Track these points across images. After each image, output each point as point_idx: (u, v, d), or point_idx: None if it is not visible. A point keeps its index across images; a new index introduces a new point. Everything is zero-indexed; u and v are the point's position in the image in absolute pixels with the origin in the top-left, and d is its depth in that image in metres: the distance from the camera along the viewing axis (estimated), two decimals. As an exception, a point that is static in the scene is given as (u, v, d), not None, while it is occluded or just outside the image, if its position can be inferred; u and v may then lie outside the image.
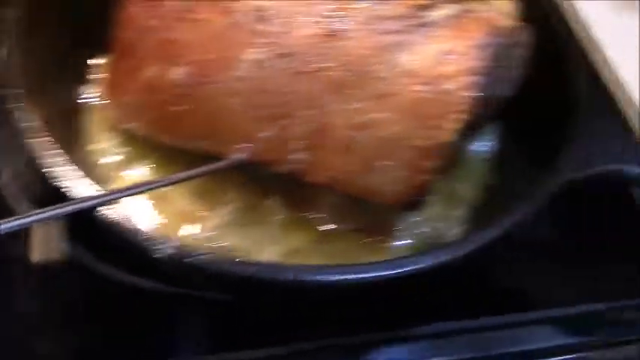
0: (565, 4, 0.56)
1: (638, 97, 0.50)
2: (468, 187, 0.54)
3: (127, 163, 0.52)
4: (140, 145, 0.52)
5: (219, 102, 0.46)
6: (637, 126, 0.49)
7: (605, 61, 0.53)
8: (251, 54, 0.45)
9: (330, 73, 0.44)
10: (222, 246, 0.48)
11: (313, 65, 0.44)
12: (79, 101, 0.55)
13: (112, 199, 0.41)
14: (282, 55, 0.44)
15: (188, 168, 0.46)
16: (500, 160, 0.56)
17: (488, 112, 0.49)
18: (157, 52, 0.47)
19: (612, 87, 0.52)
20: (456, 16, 0.44)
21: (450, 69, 0.43)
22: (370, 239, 0.50)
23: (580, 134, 0.48)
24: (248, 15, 0.45)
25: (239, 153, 0.46)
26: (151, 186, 0.45)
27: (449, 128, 0.43)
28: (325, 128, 0.44)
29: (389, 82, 0.43)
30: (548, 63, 0.51)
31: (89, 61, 0.56)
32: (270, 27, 0.45)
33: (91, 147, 0.53)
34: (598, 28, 0.54)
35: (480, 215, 0.52)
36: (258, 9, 0.45)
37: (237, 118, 0.45)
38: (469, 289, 0.51)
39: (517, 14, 0.55)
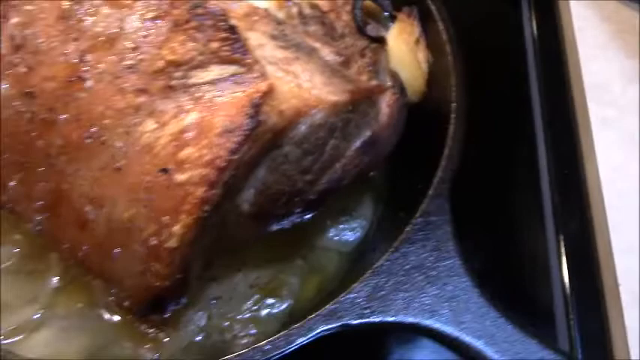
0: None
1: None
2: (296, 280, 0.43)
3: None
4: None
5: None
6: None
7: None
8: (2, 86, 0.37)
9: (67, 129, 0.35)
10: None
11: (52, 115, 0.35)
12: None
13: None
14: (24, 95, 0.36)
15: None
16: (358, 256, 0.44)
17: (306, 194, 0.38)
18: None
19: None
20: (223, 82, 0.33)
21: (188, 154, 0.32)
22: (145, 326, 0.41)
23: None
24: (7, 40, 0.36)
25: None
26: None
27: (176, 232, 0.32)
28: (61, 194, 0.36)
29: (125, 154, 0.33)
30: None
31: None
32: (23, 57, 0.36)
33: None
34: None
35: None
36: (14, 33, 0.36)
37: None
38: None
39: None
